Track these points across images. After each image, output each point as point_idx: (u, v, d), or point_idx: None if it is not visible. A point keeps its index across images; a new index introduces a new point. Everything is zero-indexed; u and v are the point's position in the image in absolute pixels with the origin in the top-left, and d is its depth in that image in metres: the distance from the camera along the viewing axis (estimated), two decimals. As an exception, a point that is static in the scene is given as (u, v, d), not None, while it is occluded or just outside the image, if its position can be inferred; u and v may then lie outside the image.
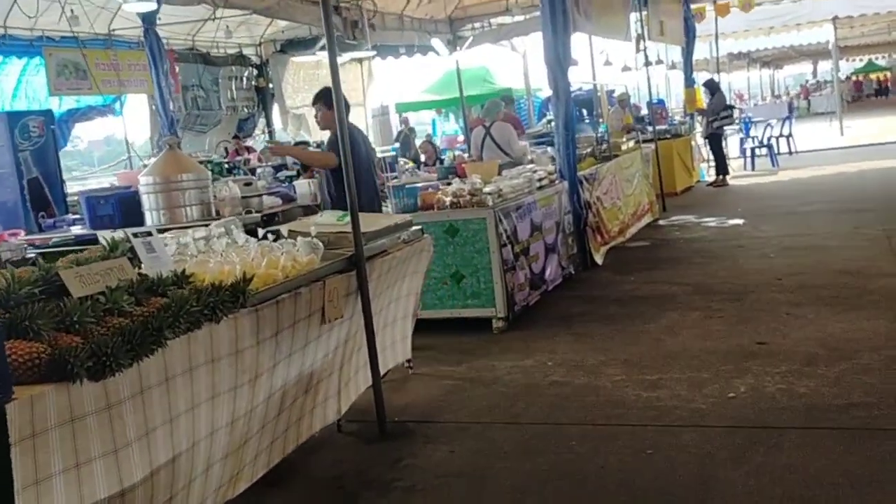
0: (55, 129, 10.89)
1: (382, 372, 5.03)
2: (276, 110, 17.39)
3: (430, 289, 6.36)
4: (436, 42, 15.23)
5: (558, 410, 4.48)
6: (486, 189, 6.46)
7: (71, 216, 9.20)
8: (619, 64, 13.94)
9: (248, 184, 9.55)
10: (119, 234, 7.97)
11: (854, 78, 44.67)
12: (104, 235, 8.03)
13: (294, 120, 17.81)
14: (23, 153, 9.58)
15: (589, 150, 9.92)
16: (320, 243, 4.04)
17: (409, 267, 5.05)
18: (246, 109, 16.75)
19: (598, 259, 8.45)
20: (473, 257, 6.27)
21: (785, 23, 18.97)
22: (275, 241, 4.18)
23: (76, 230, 8.34)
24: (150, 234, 3.36)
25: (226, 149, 16.32)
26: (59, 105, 12.24)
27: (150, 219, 7.97)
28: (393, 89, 22.80)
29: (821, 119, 30.54)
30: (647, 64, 11.92)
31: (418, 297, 5.32)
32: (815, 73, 50.23)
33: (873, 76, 47.47)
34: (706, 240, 9.24)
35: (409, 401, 4.92)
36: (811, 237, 8.54)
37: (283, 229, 4.82)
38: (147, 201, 7.96)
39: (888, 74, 48.02)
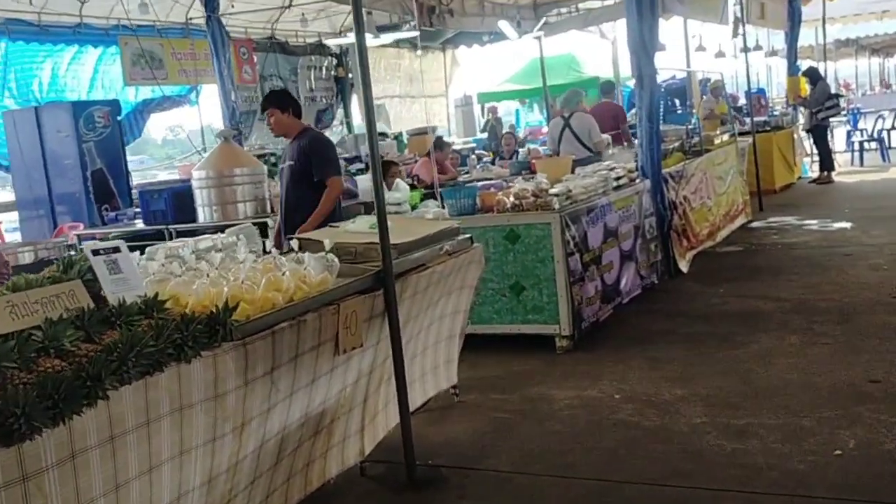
0: (124, 119, 10.68)
1: (422, 400, 4.37)
2: (354, 101, 16.92)
3: (487, 301, 5.66)
4: (503, 24, 14.29)
5: (621, 462, 3.71)
6: (553, 190, 5.69)
7: (133, 209, 8.87)
8: (712, 49, 12.79)
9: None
10: (169, 231, 7.60)
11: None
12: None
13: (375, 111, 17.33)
14: (87, 144, 9.30)
15: (677, 143, 8.97)
16: (335, 259, 3.38)
17: (455, 281, 4.36)
18: (324, 100, 16.31)
19: (683, 266, 7.55)
20: (536, 267, 5.51)
21: (901, 4, 17.29)
22: (286, 253, 3.55)
23: (140, 224, 7.99)
24: (117, 249, 2.76)
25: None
26: (136, 95, 12.05)
27: (203, 215, 7.53)
28: (477, 78, 22.08)
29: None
30: (746, 50, 10.81)
31: (466, 314, 4.62)
32: (929, 61, 46.82)
33: None
34: (807, 246, 8.20)
35: (448, 437, 4.23)
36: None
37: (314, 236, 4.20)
38: (199, 196, 7.51)
39: None
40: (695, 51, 12.36)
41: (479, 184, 6.71)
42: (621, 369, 4.97)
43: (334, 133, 16.79)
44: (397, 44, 17.22)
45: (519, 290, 5.58)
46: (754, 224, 9.85)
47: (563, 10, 14.98)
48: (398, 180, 5.87)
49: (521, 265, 5.55)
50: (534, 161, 8.27)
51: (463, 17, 13.61)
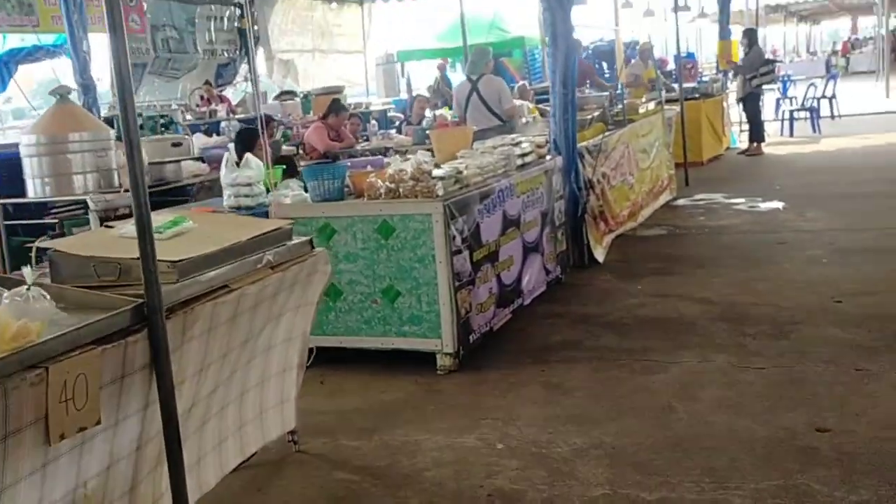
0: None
1: (241, 459, 3.25)
2: (260, 55, 15.43)
3: (355, 308, 4.55)
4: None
5: (489, 567, 2.66)
6: (438, 171, 4.56)
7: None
8: (640, 7, 11.77)
9: (176, 144, 7.76)
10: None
11: (898, 35, 41.44)
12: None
13: (281, 66, 15.85)
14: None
15: (598, 113, 7.93)
16: (43, 295, 2.20)
17: (289, 300, 3.22)
18: (226, 54, 14.81)
19: (599, 255, 6.55)
20: (414, 268, 4.40)
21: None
22: None
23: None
24: None
25: (200, 97, 14.51)
26: (1, 44, 10.53)
27: (33, 188, 6.20)
28: (402, 36, 20.63)
29: (860, 78, 27.96)
30: (677, 9, 9.77)
31: (306, 337, 3.50)
32: (853, 30, 47.02)
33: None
34: (737, 230, 7.27)
35: (268, 515, 3.13)
36: (873, 234, 6.56)
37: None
38: (29, 166, 6.17)
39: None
40: (621, 7, 11.31)
41: (349, 161, 5.54)
42: (511, 400, 3.93)
43: (238, 91, 15.35)
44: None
45: (394, 296, 4.47)
46: (680, 202, 8.92)
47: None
48: (248, 155, 4.67)
49: (397, 265, 4.43)
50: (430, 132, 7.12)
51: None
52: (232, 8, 14.69)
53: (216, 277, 2.77)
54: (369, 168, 5.01)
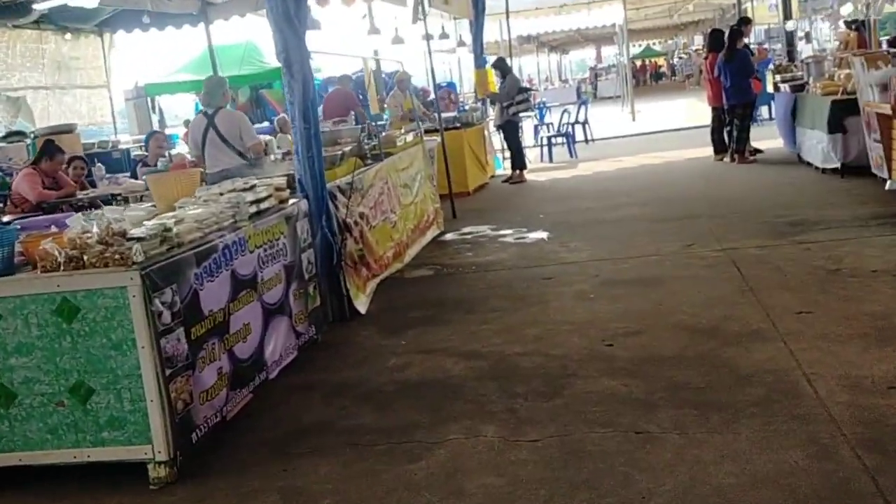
0: None
1: None
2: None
3: (34, 414, 3.48)
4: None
5: None
6: (138, 231, 3.60)
7: None
8: (388, 34, 11.36)
9: None
10: None
11: (638, 63, 45.14)
12: None
13: (9, 105, 13.89)
14: None
15: (350, 147, 7.26)
16: None
17: None
18: None
19: (362, 305, 5.84)
20: (109, 357, 3.41)
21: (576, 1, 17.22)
22: None
23: None
24: None
25: None
26: None
27: None
28: (151, 68, 19.01)
29: (608, 103, 29.77)
30: (428, 37, 9.36)
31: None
32: (598, 58, 50.66)
33: (651, 61, 48.46)
34: (504, 266, 6.86)
35: None
36: (636, 262, 6.36)
37: None
38: None
39: (664, 60, 49.26)
40: (367, 34, 10.82)
41: (20, 224, 4.40)
42: (242, 522, 3.06)
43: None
44: (38, 25, 13.96)
45: (85, 395, 3.45)
46: (448, 236, 8.45)
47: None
48: None
49: (86, 355, 3.42)
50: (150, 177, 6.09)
51: (103, -9, 10.91)
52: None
53: None
54: (53, 228, 3.95)
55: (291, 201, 5.15)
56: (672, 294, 5.37)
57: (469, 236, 8.29)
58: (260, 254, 4.45)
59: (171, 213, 4.11)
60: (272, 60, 16.96)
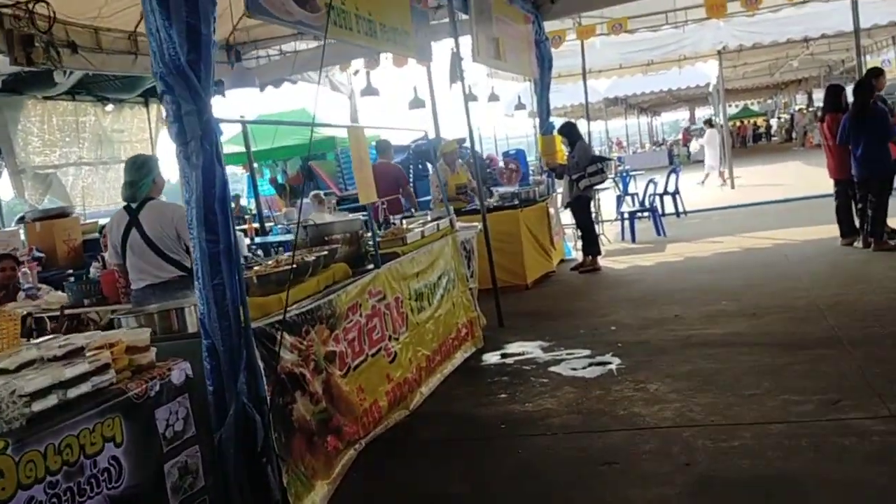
0: None
1: None
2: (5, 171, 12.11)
3: None
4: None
5: None
6: None
7: None
8: (404, 95, 9.31)
9: None
10: None
11: (737, 123, 42.05)
12: None
13: (37, 182, 12.52)
14: None
15: (345, 248, 5.19)
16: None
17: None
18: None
19: (319, 500, 3.67)
20: None
21: (665, 54, 14.90)
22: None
23: None
24: None
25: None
26: None
27: None
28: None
29: (699, 168, 27.01)
30: (471, 98, 7.27)
31: None
32: (691, 119, 47.82)
33: (750, 121, 45.26)
34: (549, 425, 4.54)
35: None
36: (750, 438, 3.95)
37: None
38: None
39: (764, 120, 46.05)
40: (360, 96, 8.92)
41: None
42: None
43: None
44: (73, 96, 12.69)
45: None
46: (485, 358, 6.21)
47: (263, 52, 11.08)
48: None
49: None
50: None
51: (107, 56, 9.40)
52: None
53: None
54: None
55: (173, 368, 3.05)
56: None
57: (511, 360, 6.02)
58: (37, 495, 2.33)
59: None
60: (325, 130, 15.35)
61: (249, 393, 3.43)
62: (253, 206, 14.28)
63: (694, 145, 32.56)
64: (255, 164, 16.98)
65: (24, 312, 5.20)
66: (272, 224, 11.16)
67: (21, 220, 10.78)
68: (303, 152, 15.32)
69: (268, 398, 3.52)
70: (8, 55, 7.75)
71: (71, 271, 8.29)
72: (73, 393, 2.55)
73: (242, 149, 14.83)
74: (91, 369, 2.64)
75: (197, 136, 3.31)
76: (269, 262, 4.50)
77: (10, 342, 2.93)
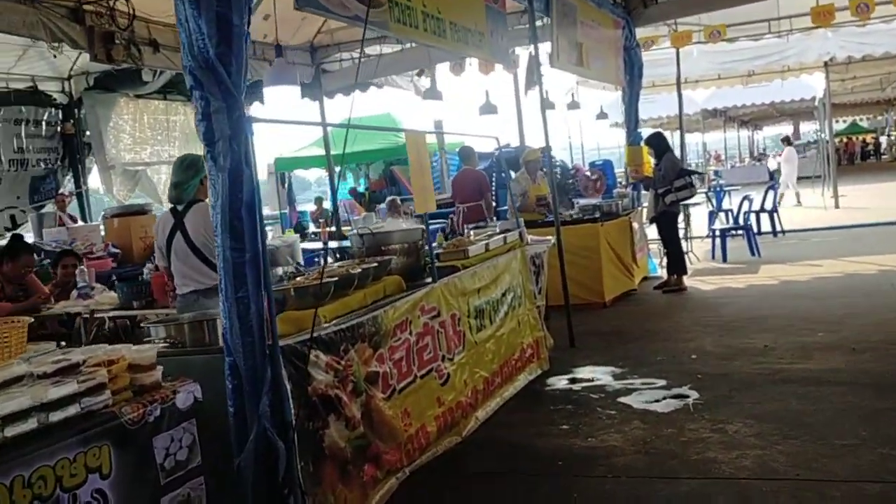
0: None
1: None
2: (94, 167, 12.41)
3: None
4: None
5: None
6: None
7: None
8: (475, 100, 8.94)
9: None
10: None
11: (844, 140, 39.87)
12: None
13: (125, 178, 12.77)
14: None
15: (405, 256, 4.88)
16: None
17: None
18: (43, 164, 11.75)
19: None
20: None
21: (768, 65, 14.03)
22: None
23: None
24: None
25: (12, 217, 11.47)
26: None
27: None
28: (283, 142, 17.86)
29: (806, 184, 25.58)
30: (548, 106, 6.85)
31: None
32: (796, 134, 45.63)
33: (858, 138, 42.87)
34: (612, 466, 4.08)
35: None
36: (833, 491, 3.42)
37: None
38: None
39: (874, 137, 43.56)
40: (423, 98, 8.53)
41: None
42: None
43: (71, 208, 12.26)
44: (164, 96, 12.91)
45: None
46: (550, 382, 5.77)
47: (346, 55, 10.91)
48: None
49: None
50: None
51: (175, 54, 9.38)
52: (50, 110, 11.72)
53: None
54: None
55: (181, 389, 2.78)
56: None
57: (579, 387, 5.56)
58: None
59: None
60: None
61: (273, 417, 3.13)
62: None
63: (772, 163, 30.97)
64: (338, 168, 16.98)
65: (71, 312, 5.10)
66: (348, 228, 10.99)
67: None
68: (385, 156, 15.20)
69: (293, 422, 3.22)
70: (88, 51, 7.82)
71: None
72: (57, 416, 2.30)
73: (324, 152, 14.77)
74: (81, 390, 2.38)
75: (225, 135, 3.05)
76: (313, 273, 4.21)
77: (14, 352, 2.72)
